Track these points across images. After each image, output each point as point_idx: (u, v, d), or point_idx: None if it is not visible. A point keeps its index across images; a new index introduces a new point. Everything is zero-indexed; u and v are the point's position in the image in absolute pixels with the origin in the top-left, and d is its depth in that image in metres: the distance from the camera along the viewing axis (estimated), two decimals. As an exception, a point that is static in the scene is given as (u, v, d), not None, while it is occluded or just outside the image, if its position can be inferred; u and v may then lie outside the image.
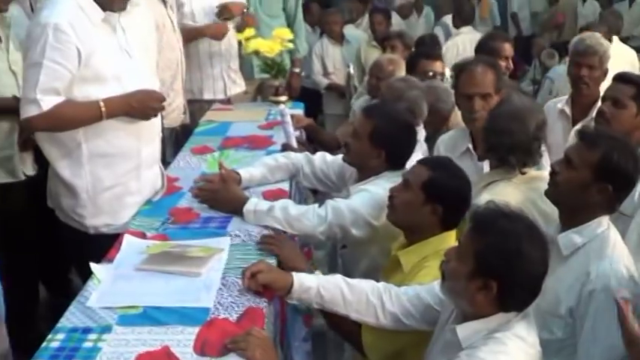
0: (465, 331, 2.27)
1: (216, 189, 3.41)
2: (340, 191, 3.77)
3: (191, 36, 5.20)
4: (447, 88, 4.53)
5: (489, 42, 5.30)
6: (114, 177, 3.33)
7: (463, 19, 8.28)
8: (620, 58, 5.58)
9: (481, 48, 5.19)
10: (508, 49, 5.19)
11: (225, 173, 3.51)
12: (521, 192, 3.21)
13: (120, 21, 3.33)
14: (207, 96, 5.48)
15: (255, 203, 3.25)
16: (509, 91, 3.87)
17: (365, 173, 3.42)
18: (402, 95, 4.02)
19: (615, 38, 6.19)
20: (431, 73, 4.94)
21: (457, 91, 3.88)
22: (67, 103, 3.15)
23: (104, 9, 3.23)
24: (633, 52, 6.43)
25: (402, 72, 5.04)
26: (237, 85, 5.66)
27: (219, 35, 5.27)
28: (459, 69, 3.87)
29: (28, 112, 3.12)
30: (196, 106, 5.33)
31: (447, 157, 3.15)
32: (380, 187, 3.20)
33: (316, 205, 3.28)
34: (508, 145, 3.23)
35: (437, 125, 4.33)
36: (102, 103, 3.18)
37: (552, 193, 2.86)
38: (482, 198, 3.01)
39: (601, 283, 2.59)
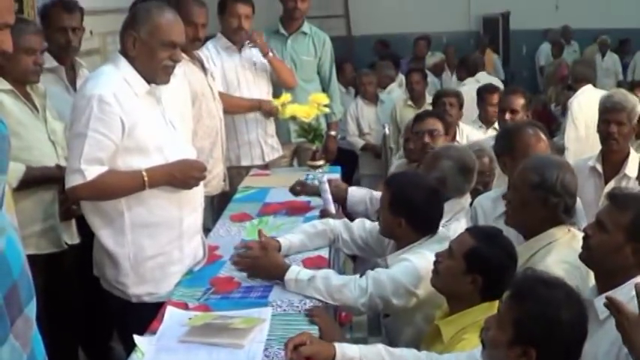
0: None
1: (256, 256, 3.41)
2: (380, 256, 3.78)
3: (246, 107, 5.31)
4: (486, 147, 4.57)
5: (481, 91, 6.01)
6: (156, 246, 3.36)
7: (468, 70, 8.62)
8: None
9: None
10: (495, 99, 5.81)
11: (265, 241, 3.52)
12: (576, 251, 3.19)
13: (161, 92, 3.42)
14: (244, 162, 5.53)
15: (296, 272, 3.25)
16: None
17: (399, 243, 3.44)
18: (436, 164, 4.02)
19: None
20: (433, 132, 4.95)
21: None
22: (111, 172, 3.22)
23: (149, 82, 3.33)
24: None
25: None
26: (275, 150, 5.70)
27: (273, 112, 5.34)
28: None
29: (73, 181, 3.18)
30: (234, 172, 5.37)
31: (496, 228, 3.13)
32: (420, 256, 3.20)
33: (357, 275, 3.27)
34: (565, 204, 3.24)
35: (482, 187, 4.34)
36: (144, 173, 3.25)
37: (586, 257, 2.85)
38: (549, 261, 3.05)
39: None
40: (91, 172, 3.16)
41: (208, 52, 5.30)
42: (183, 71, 4.35)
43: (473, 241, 2.90)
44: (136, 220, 3.31)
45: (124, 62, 3.31)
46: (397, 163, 5.65)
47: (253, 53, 5.51)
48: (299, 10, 5.96)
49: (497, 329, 2.32)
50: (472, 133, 5.86)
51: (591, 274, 2.93)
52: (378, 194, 4.32)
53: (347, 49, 11.40)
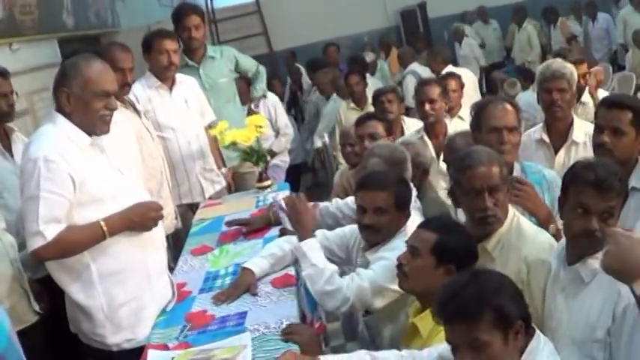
0: None
1: (305, 209, 3.75)
2: (350, 263, 3.87)
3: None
4: (423, 144, 4.68)
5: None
6: (127, 292, 3.39)
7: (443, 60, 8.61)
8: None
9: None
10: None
11: (246, 279, 3.61)
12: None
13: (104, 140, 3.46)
14: (185, 201, 5.49)
15: (310, 247, 3.53)
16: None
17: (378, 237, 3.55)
18: (366, 163, 4.17)
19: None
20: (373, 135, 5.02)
21: (479, 127, 3.91)
22: (70, 228, 3.24)
23: (89, 134, 3.37)
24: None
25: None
26: (216, 183, 5.68)
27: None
28: (480, 107, 3.99)
29: (35, 243, 3.20)
30: (181, 210, 5.35)
31: (445, 215, 3.26)
32: (398, 251, 3.23)
33: (345, 283, 3.37)
34: None
35: (421, 178, 4.42)
36: (103, 223, 3.28)
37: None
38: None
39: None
40: (51, 231, 3.18)
41: (137, 92, 5.24)
42: (126, 116, 4.40)
43: (434, 235, 2.99)
44: (103, 270, 3.34)
45: (61, 119, 3.34)
46: (341, 170, 5.72)
47: (184, 89, 5.50)
48: (196, 40, 5.95)
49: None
50: (417, 125, 5.90)
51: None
52: (325, 207, 4.42)
53: (271, 65, 11.46)
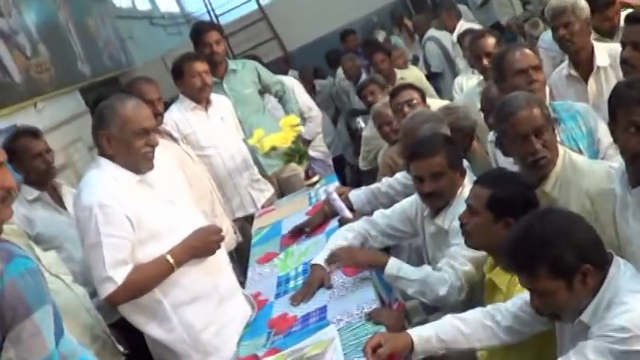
0: (587, 315, 2.40)
1: (352, 248, 3.63)
2: (414, 235, 3.86)
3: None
4: (465, 106, 4.63)
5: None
6: (203, 319, 3.38)
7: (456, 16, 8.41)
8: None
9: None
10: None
11: (318, 274, 3.62)
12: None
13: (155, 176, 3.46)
14: (239, 214, 5.55)
15: (397, 268, 3.40)
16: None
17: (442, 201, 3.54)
18: (418, 131, 4.09)
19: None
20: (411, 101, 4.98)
21: (504, 76, 3.87)
22: (137, 268, 3.25)
23: (136, 173, 3.37)
24: None
25: None
26: (266, 191, 5.73)
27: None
28: (499, 57, 3.97)
29: (107, 290, 3.20)
30: (238, 224, 5.41)
31: (499, 168, 3.24)
32: None
33: (446, 274, 3.33)
34: None
35: (464, 143, 4.36)
36: (168, 256, 3.29)
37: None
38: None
39: None
40: (120, 275, 3.19)
41: (175, 118, 5.34)
42: (163, 146, 4.44)
43: (487, 190, 2.97)
44: (176, 302, 3.34)
45: (105, 162, 3.35)
46: (383, 150, 5.68)
47: (219, 108, 5.56)
48: (217, 54, 5.96)
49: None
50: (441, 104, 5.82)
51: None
52: (377, 187, 4.41)
53: (290, 66, 11.45)
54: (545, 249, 2.38)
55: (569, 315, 2.48)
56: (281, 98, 6.43)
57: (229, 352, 3.39)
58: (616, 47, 4.01)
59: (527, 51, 3.88)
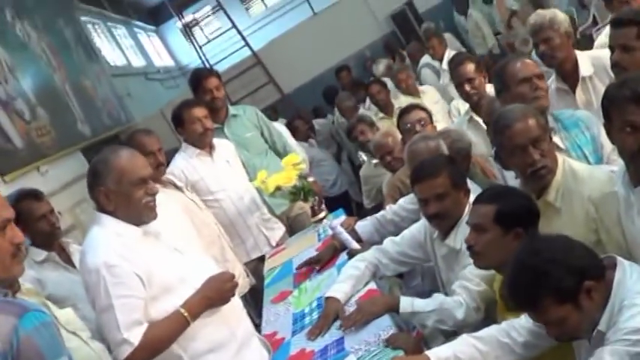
0: (603, 324, 2.40)
1: (360, 309, 3.46)
2: (426, 261, 3.85)
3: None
4: (458, 129, 4.66)
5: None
6: None
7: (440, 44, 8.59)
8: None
9: None
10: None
11: (332, 307, 3.58)
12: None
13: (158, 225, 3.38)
14: (254, 255, 5.56)
15: (410, 304, 3.39)
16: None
17: (449, 220, 3.54)
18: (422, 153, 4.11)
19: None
20: (421, 121, 5.05)
21: (507, 87, 3.87)
22: (153, 326, 3.14)
23: (138, 225, 3.29)
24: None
25: (398, 135, 5.26)
26: (278, 229, 5.72)
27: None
28: (500, 68, 3.96)
29: (124, 353, 3.08)
30: (252, 266, 5.42)
31: (494, 185, 3.27)
32: None
33: (461, 297, 3.35)
34: None
35: (462, 165, 4.31)
36: (183, 310, 3.19)
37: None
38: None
39: None
40: (135, 335, 3.08)
41: (181, 165, 5.36)
42: (167, 195, 4.45)
43: (491, 206, 2.98)
44: (195, 355, 3.25)
45: (106, 219, 3.26)
46: (386, 180, 5.69)
47: (223, 151, 5.58)
48: (218, 100, 5.96)
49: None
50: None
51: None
52: (382, 216, 4.43)
53: (289, 108, 11.53)
54: (543, 281, 2.39)
55: (589, 330, 2.47)
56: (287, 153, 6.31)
57: None
58: (599, 54, 4.08)
59: (529, 60, 3.89)
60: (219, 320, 3.33)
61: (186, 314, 3.19)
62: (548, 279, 2.38)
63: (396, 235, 4.01)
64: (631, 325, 2.29)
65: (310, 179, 6.11)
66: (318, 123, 10.12)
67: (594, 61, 4.15)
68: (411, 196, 4.41)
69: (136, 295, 3.12)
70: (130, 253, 3.16)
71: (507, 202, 2.97)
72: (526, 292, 2.44)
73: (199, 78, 6.02)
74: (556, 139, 3.60)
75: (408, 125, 5.03)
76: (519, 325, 2.77)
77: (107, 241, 3.19)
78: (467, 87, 5.10)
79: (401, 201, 4.50)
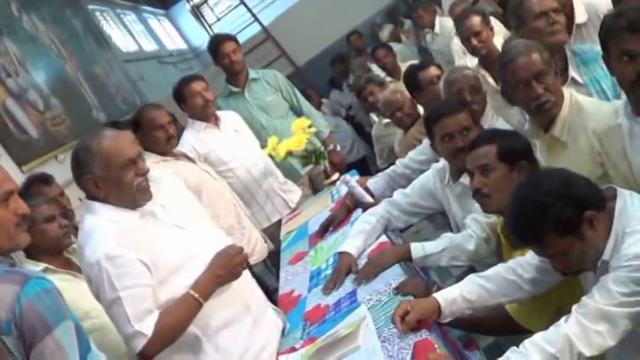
0: (607, 254, 2.42)
1: (371, 262, 3.50)
2: (438, 209, 3.91)
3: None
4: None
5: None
6: (242, 344, 3.19)
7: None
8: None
9: None
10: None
11: (345, 261, 3.62)
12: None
13: (155, 203, 3.21)
14: (274, 218, 5.58)
15: (421, 249, 3.46)
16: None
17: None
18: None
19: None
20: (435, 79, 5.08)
21: (523, 22, 3.88)
22: (164, 313, 2.99)
23: (134, 208, 3.12)
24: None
25: (407, 93, 5.30)
26: (294, 193, 5.76)
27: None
28: (516, 4, 3.98)
29: (138, 345, 2.94)
30: (271, 231, 5.45)
31: (485, 130, 3.37)
32: None
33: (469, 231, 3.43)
34: None
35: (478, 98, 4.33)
36: (193, 292, 3.04)
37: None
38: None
39: None
40: (148, 326, 2.93)
41: (191, 141, 5.38)
42: (179, 167, 4.54)
43: (492, 146, 3.03)
44: (212, 333, 3.15)
45: (99, 206, 3.08)
46: (398, 138, 5.69)
47: (229, 122, 5.61)
48: (236, 63, 6.03)
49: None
50: None
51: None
52: (393, 170, 4.53)
53: (303, 80, 11.51)
54: (544, 214, 2.40)
55: (594, 261, 2.49)
56: (307, 116, 6.23)
57: None
58: (592, 1, 4.06)
59: None
60: (232, 295, 3.21)
61: (197, 296, 3.04)
62: (548, 211, 2.39)
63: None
64: (633, 251, 2.30)
65: (331, 147, 6.21)
66: (328, 101, 10.15)
67: (588, 7, 4.11)
68: (420, 148, 4.45)
69: (143, 284, 2.96)
70: (130, 240, 3.00)
71: (505, 139, 3.02)
72: (528, 226, 2.45)
73: (217, 43, 6.09)
74: (574, 74, 3.65)
75: (429, 79, 5.11)
76: (525, 262, 2.78)
77: (104, 230, 3.00)
78: (474, 41, 4.99)
79: (410, 154, 4.52)
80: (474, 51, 5.13)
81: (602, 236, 2.43)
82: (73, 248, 3.89)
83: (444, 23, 8.59)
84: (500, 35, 5.37)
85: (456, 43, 5.98)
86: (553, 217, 2.39)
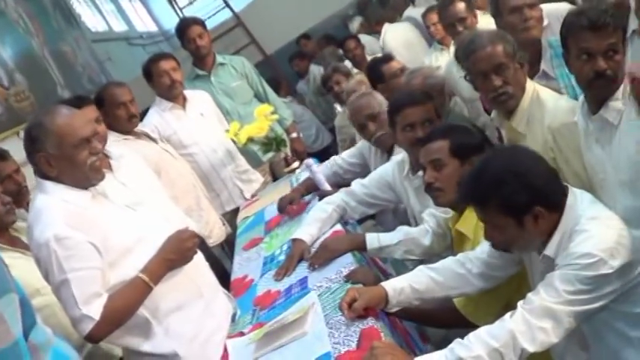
0: (551, 249, 2.44)
1: (324, 246, 3.51)
2: (396, 201, 3.94)
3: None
4: (429, 66, 4.76)
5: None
6: (192, 328, 3.17)
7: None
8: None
9: None
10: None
11: (298, 248, 3.62)
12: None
13: (115, 179, 3.23)
14: (228, 208, 5.58)
15: (376, 239, 3.45)
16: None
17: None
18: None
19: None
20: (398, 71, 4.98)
21: (500, 13, 3.88)
22: (113, 297, 2.95)
23: (86, 188, 3.05)
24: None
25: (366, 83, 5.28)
26: (254, 182, 5.75)
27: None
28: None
29: (85, 328, 2.88)
30: (228, 217, 5.44)
31: (439, 125, 3.39)
32: None
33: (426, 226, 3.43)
34: None
35: (439, 100, 4.27)
36: (142, 275, 3.01)
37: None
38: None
39: None
40: (95, 309, 2.88)
41: (154, 121, 5.35)
42: (140, 146, 4.53)
43: (444, 141, 3.07)
44: (163, 315, 3.12)
45: (51, 185, 3.00)
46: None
47: (197, 103, 5.58)
48: (202, 47, 6.00)
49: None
50: None
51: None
52: (338, 157, 4.60)
53: (272, 69, 11.48)
54: (497, 186, 2.41)
55: (524, 250, 2.58)
56: (272, 105, 6.22)
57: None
58: (555, 7, 4.04)
59: None
60: (183, 279, 3.19)
61: (147, 279, 3.01)
62: (503, 187, 2.39)
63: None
64: (580, 250, 2.32)
65: (294, 135, 6.21)
66: (300, 86, 10.12)
67: (549, 12, 4.06)
68: (353, 150, 4.65)
69: (92, 266, 2.91)
70: (80, 222, 2.93)
71: (458, 135, 3.05)
72: (477, 188, 2.48)
73: (183, 27, 6.10)
74: (545, 67, 3.69)
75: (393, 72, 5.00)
76: (474, 257, 2.81)
77: (54, 210, 2.93)
78: (459, 27, 4.88)
79: (345, 154, 4.64)
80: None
81: (541, 233, 2.45)
82: (22, 227, 3.79)
83: (411, 14, 8.64)
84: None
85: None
86: (503, 194, 2.40)
